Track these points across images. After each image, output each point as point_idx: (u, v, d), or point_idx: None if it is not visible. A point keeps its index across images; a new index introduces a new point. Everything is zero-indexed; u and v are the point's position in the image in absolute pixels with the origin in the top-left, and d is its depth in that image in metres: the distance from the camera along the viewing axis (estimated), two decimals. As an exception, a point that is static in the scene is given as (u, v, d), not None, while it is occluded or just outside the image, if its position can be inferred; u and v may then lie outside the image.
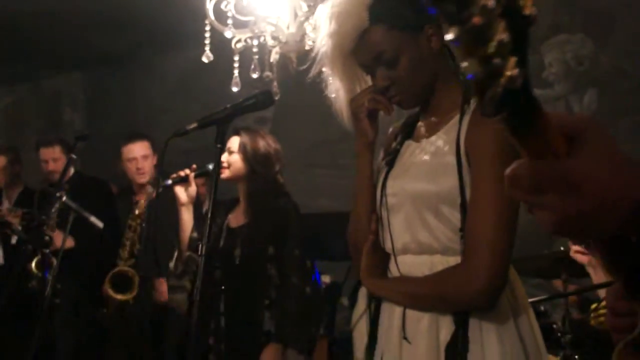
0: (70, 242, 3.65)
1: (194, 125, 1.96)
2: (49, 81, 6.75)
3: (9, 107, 7.08)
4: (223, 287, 2.64)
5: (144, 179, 3.80)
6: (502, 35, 0.46)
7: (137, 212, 3.57)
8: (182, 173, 2.73)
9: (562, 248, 3.22)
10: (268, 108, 2.02)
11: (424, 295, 1.44)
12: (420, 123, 1.59)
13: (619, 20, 4.41)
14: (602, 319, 2.21)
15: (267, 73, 2.59)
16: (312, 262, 2.78)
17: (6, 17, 5.01)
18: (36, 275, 3.65)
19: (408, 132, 1.62)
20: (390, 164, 1.59)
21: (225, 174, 2.74)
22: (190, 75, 6.08)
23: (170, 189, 2.78)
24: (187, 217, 2.77)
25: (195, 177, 2.74)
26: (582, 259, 2.98)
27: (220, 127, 1.94)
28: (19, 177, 4.39)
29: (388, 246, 1.54)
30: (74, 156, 2.91)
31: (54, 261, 3.66)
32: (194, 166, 2.77)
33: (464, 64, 0.48)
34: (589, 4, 4.44)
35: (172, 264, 2.81)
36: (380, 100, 1.55)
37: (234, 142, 2.78)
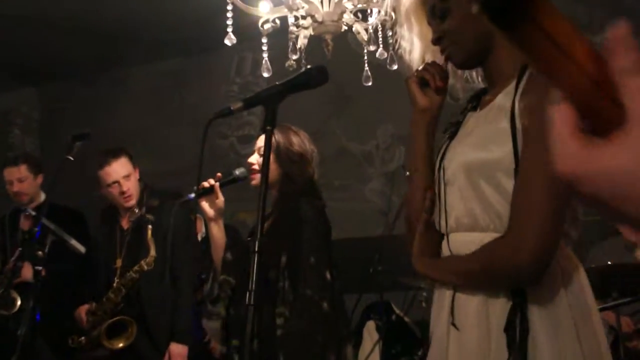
0: (28, 272, 3.59)
1: (239, 104, 1.86)
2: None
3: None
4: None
5: (131, 201, 3.64)
6: None
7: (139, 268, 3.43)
8: (206, 184, 2.68)
9: (609, 262, 3.17)
10: (319, 86, 1.94)
11: (468, 271, 1.48)
12: (485, 95, 1.64)
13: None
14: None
15: (291, 61, 2.53)
16: (334, 274, 2.66)
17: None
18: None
19: (474, 104, 1.66)
20: (452, 137, 1.64)
21: (257, 179, 2.69)
22: (167, 92, 6.00)
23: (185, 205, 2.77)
24: (218, 234, 2.73)
25: (222, 186, 2.70)
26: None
27: (269, 107, 1.86)
28: None
29: (442, 224, 1.58)
30: (70, 157, 2.77)
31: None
32: (219, 174, 2.72)
33: None
34: (610, 2, 4.56)
35: (207, 287, 2.79)
36: (428, 70, 1.67)
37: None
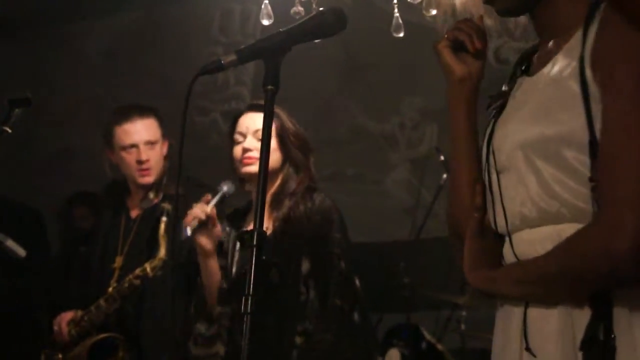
0: None
1: (232, 57, 1.85)
2: None
3: None
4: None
5: (148, 178, 3.53)
6: None
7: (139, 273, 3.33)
8: (200, 213, 2.75)
9: None
10: (334, 34, 1.91)
11: (545, 276, 1.46)
12: (537, 54, 1.65)
13: None
14: None
15: (297, 7, 2.51)
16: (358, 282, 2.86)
17: None
18: None
19: (524, 67, 1.67)
20: (499, 112, 1.65)
21: (255, 167, 2.77)
22: (123, 51, 6.04)
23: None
24: (216, 267, 2.84)
25: (215, 206, 2.80)
26: None
27: (270, 61, 1.86)
28: None
29: (501, 222, 1.59)
30: (8, 129, 2.77)
31: None
32: (208, 196, 2.80)
33: None
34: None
35: (200, 325, 2.87)
36: (463, 29, 1.69)
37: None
